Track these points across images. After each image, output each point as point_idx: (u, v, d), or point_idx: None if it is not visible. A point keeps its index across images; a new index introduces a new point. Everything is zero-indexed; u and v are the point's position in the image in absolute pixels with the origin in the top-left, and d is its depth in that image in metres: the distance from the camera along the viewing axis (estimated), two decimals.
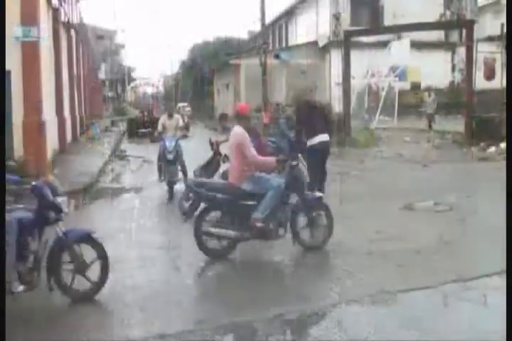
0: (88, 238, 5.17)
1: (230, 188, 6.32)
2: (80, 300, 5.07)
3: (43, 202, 4.92)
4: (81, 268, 5.06)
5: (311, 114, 8.66)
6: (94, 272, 5.12)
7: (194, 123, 33.02)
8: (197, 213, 6.36)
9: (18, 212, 4.97)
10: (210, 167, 8.99)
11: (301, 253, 6.62)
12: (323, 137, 8.59)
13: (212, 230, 6.24)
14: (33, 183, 4.94)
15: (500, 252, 5.31)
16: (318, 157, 8.66)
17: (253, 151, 6.51)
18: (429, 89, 24.83)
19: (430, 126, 22.58)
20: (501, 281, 5.04)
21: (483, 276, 5.53)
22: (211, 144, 9.12)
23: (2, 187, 4.82)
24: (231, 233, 6.24)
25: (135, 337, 4.41)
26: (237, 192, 6.29)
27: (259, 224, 6.18)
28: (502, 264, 4.89)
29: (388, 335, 4.30)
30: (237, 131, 6.51)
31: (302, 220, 6.65)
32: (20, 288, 4.78)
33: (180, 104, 47.96)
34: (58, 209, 4.99)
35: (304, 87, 12.25)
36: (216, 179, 8.94)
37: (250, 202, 6.28)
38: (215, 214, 6.42)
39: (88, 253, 5.16)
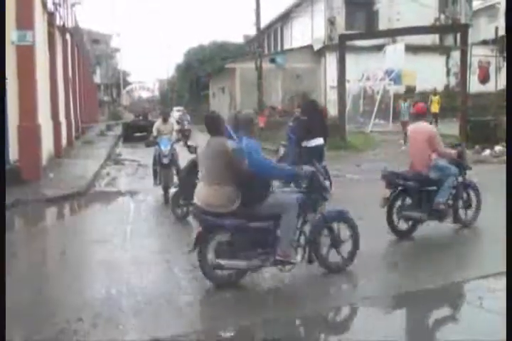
0: (345, 218, 5.80)
1: (419, 176, 7.12)
2: (333, 272, 5.70)
3: (316, 186, 5.52)
4: (337, 243, 5.72)
5: (313, 116, 8.74)
6: (346, 248, 5.80)
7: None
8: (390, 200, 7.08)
9: (294, 193, 5.55)
10: (194, 168, 9.03)
11: None
12: (319, 140, 8.67)
13: (405, 213, 7.06)
14: (311, 169, 5.56)
15: (498, 254, 5.33)
16: (314, 157, 8.70)
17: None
18: (404, 96, 24.17)
19: (406, 135, 21.00)
20: (496, 283, 5.07)
21: (480, 278, 5.53)
22: (188, 147, 9.12)
23: (2, 187, 4.83)
24: (417, 214, 7.07)
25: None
26: (423, 179, 7.10)
27: (442, 207, 7.06)
28: (500, 266, 4.90)
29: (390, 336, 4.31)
30: (426, 126, 7.41)
31: (461, 202, 7.49)
32: (298, 258, 5.43)
33: (175, 108, 47.90)
34: (327, 191, 5.66)
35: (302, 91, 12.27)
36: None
37: (432, 188, 7.11)
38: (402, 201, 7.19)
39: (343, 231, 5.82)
